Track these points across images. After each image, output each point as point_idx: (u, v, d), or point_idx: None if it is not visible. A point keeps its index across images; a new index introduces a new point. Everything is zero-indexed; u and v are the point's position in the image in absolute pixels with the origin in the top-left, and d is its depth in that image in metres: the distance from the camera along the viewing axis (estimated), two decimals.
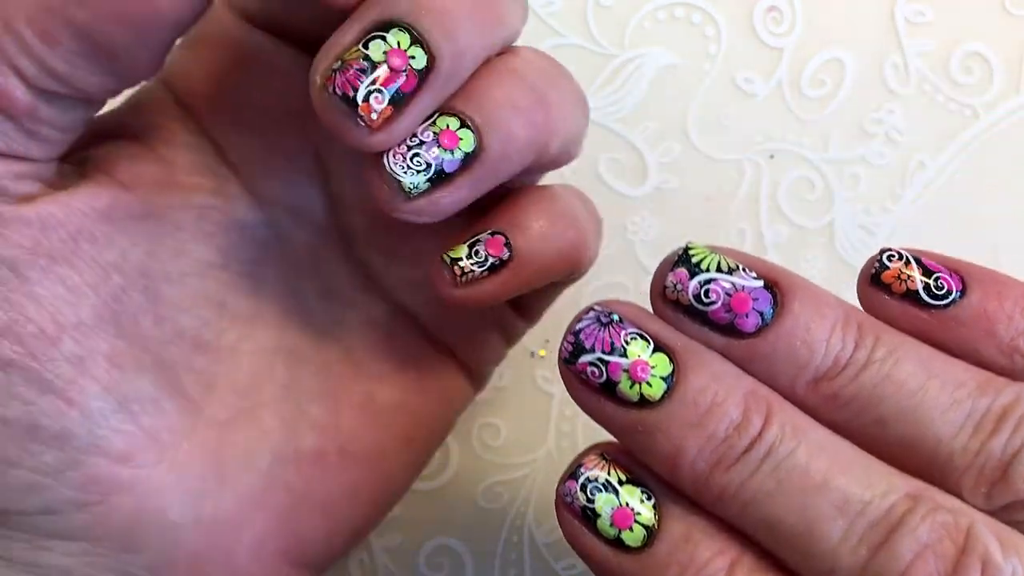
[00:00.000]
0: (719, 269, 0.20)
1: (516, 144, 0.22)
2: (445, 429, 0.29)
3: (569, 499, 0.20)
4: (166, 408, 0.23)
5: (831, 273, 0.33)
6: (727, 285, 0.19)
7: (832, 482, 0.18)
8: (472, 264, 0.23)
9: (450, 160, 0.21)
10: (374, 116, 0.20)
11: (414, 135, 0.21)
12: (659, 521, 0.19)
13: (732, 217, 0.33)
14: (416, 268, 0.24)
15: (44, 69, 0.20)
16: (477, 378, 0.28)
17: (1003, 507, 0.19)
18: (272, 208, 0.25)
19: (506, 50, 0.23)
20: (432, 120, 0.21)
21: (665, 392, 0.19)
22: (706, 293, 0.19)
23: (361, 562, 0.33)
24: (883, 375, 0.19)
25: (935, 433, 0.19)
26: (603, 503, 0.19)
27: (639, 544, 0.19)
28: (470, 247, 0.23)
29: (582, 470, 0.20)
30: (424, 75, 0.20)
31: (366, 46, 0.20)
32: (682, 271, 0.20)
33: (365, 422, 0.26)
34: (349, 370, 0.26)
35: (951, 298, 0.20)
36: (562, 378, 0.20)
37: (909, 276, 0.20)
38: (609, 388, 0.19)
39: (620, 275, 0.33)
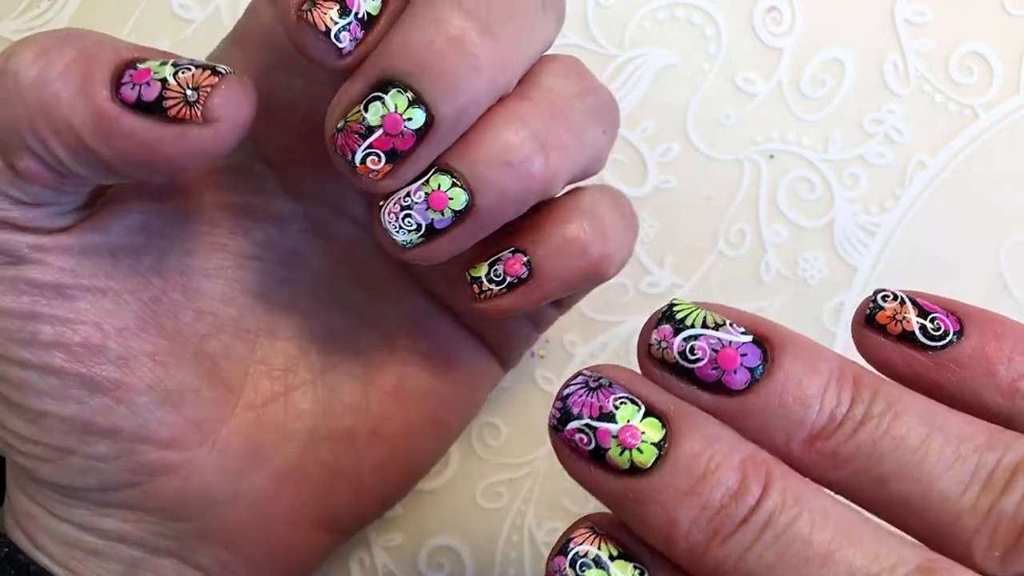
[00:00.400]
0: (704, 325, 0.19)
1: (509, 197, 0.22)
2: (473, 410, 0.30)
3: None
4: (206, 397, 0.25)
5: (831, 273, 0.33)
6: (713, 341, 0.19)
7: (837, 553, 0.17)
8: (491, 284, 0.24)
9: (440, 219, 0.22)
10: (372, 175, 0.21)
11: (407, 194, 0.22)
12: None
13: (732, 217, 0.33)
14: (450, 262, 0.25)
15: (66, 168, 0.21)
16: (507, 361, 0.29)
17: (1020, 575, 0.17)
18: (310, 202, 0.26)
19: (526, 77, 0.23)
20: (425, 179, 0.22)
21: (657, 458, 0.18)
22: (691, 350, 0.19)
23: (361, 562, 0.33)
24: (882, 431, 0.18)
25: (940, 491, 0.18)
26: None
27: None
28: (490, 265, 0.24)
29: (571, 545, 0.19)
30: (422, 133, 0.21)
31: (366, 108, 0.21)
32: (667, 328, 0.19)
33: (395, 405, 0.27)
34: (382, 355, 0.27)
35: (948, 339, 0.19)
36: (552, 446, 0.19)
37: (905, 317, 0.20)
38: (598, 455, 0.18)
39: (620, 275, 0.33)
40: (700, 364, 0.19)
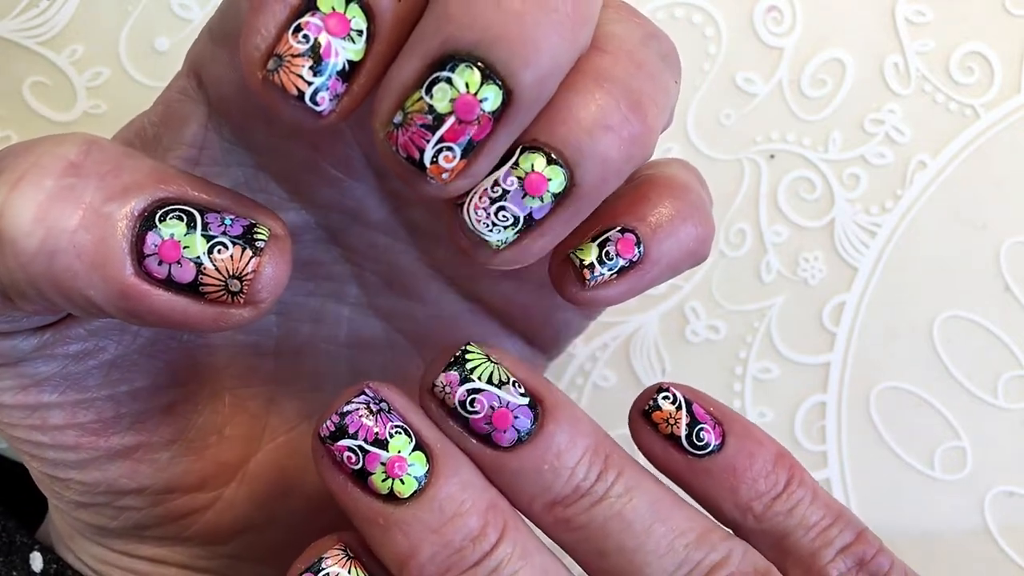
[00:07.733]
0: (490, 381, 0.20)
1: (612, 168, 0.19)
2: None
3: None
4: (230, 435, 0.24)
5: (831, 273, 0.33)
6: (493, 399, 0.20)
7: None
8: (603, 267, 0.20)
9: (539, 207, 0.18)
10: (445, 176, 0.17)
11: (495, 183, 0.18)
12: None
13: (732, 217, 0.33)
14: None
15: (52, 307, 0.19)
16: (551, 352, 0.27)
17: None
18: (323, 211, 0.24)
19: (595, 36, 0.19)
20: (514, 160, 0.18)
21: (415, 492, 0.19)
22: (472, 402, 0.20)
23: None
24: (614, 512, 0.20)
25: (647, 575, 0.20)
26: None
27: None
28: (600, 247, 0.20)
29: (323, 565, 0.19)
30: (500, 113, 0.17)
31: (429, 92, 0.17)
32: (454, 375, 0.20)
33: None
34: (414, 359, 0.26)
35: (708, 450, 0.21)
36: (312, 451, 0.20)
37: (676, 421, 0.22)
38: (361, 476, 0.19)
39: None
40: (476, 417, 0.20)
